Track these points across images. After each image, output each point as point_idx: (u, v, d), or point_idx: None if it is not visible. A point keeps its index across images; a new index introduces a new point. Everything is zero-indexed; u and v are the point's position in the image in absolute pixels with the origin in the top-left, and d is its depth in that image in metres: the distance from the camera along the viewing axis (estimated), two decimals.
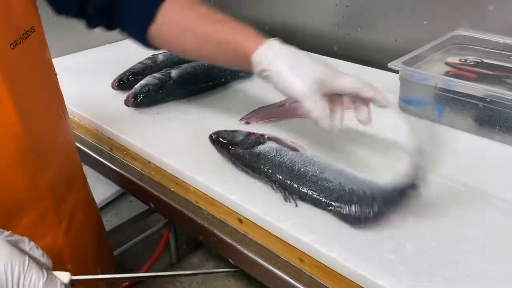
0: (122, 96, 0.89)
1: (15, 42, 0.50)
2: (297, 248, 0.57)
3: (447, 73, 0.83)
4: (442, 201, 0.60)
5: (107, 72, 0.98)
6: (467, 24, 0.92)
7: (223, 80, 0.95)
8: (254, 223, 0.61)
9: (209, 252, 1.79)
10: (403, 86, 0.82)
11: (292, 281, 0.56)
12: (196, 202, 0.69)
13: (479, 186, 0.63)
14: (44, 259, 0.43)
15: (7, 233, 0.42)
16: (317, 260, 0.55)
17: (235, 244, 0.62)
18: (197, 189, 0.68)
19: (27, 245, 0.42)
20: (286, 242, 0.58)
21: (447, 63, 0.86)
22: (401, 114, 0.83)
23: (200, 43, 0.64)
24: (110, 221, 1.40)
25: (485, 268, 0.50)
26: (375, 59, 1.08)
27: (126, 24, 0.68)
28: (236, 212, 0.63)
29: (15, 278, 0.38)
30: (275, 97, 0.89)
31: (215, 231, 0.64)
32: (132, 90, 0.87)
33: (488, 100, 0.71)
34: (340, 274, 0.53)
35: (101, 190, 1.51)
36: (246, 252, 0.61)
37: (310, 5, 1.22)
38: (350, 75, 0.59)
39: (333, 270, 0.53)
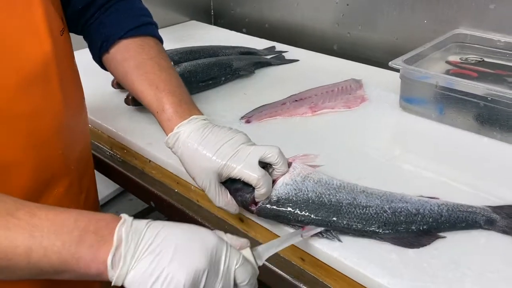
0: (122, 95, 0.89)
1: (62, 30, 0.60)
2: (298, 247, 0.56)
3: (448, 72, 0.83)
4: (444, 199, 0.60)
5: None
6: (468, 23, 0.92)
7: (223, 78, 0.95)
8: (255, 222, 0.61)
9: None
10: (404, 84, 0.82)
11: (293, 280, 0.56)
12: (197, 201, 0.69)
13: (479, 185, 0.63)
14: (238, 241, 0.48)
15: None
16: (318, 259, 0.55)
17: None
18: (198, 188, 0.68)
19: (223, 235, 0.48)
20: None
21: (448, 62, 0.86)
22: (402, 113, 0.83)
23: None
24: None
25: (486, 269, 0.50)
26: (376, 58, 1.08)
27: (88, 43, 0.72)
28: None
29: (223, 258, 0.44)
30: (275, 95, 0.89)
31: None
32: None
33: (489, 99, 0.71)
34: (341, 273, 0.53)
35: (101, 188, 1.51)
36: None
37: (310, 3, 1.21)
38: (249, 162, 0.56)
39: (334, 269, 0.53)
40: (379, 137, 0.77)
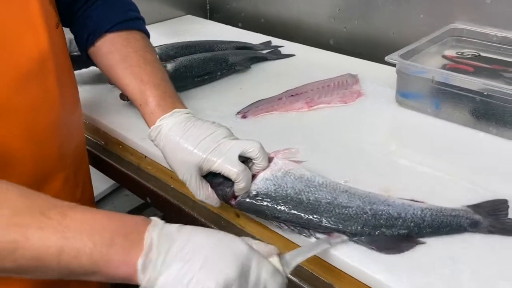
0: (117, 90, 0.88)
1: (57, 24, 0.60)
2: (294, 243, 0.56)
3: (444, 66, 0.82)
4: (440, 194, 0.60)
5: None
6: (465, 17, 0.92)
7: (219, 73, 0.94)
8: (251, 218, 0.61)
9: None
10: (400, 79, 0.82)
11: (290, 276, 0.56)
12: (193, 196, 0.68)
13: (475, 179, 0.63)
14: (265, 248, 0.47)
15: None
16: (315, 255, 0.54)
17: None
18: None
19: (252, 242, 0.47)
20: (284, 237, 0.58)
21: (444, 56, 0.86)
22: (398, 108, 0.83)
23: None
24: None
25: (482, 264, 0.50)
26: (372, 53, 1.08)
27: (74, 36, 0.72)
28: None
29: (253, 268, 0.43)
30: (271, 90, 0.89)
31: (212, 226, 0.64)
32: None
33: (485, 94, 0.71)
34: (339, 269, 0.53)
35: (97, 183, 1.50)
36: None
37: None
38: (231, 157, 0.56)
39: (332, 265, 0.53)
40: (375, 132, 0.77)
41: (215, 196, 0.59)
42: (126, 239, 0.42)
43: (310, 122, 0.80)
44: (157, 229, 0.43)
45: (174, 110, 0.62)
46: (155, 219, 0.45)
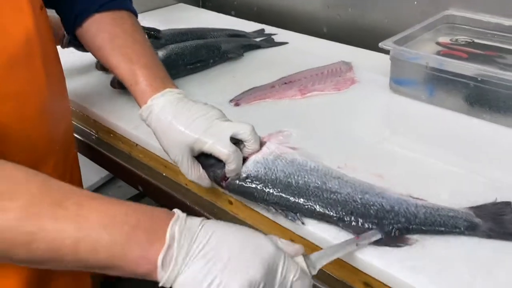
0: (107, 78, 0.87)
1: (41, 5, 0.58)
2: (287, 228, 0.56)
3: (438, 53, 0.82)
4: (433, 181, 0.60)
5: None
6: (458, 4, 0.91)
7: (211, 61, 0.93)
8: (244, 204, 0.60)
9: None
10: (394, 65, 0.81)
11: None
12: (186, 184, 0.68)
13: (469, 165, 0.63)
14: (292, 247, 0.44)
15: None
16: (307, 240, 0.54)
17: None
18: None
19: (278, 240, 0.44)
20: (276, 223, 0.57)
21: (438, 43, 0.85)
22: (392, 95, 0.82)
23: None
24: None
25: (476, 247, 0.50)
26: (366, 40, 1.07)
27: (60, 17, 0.71)
28: (226, 194, 0.62)
29: (280, 270, 0.41)
30: (264, 78, 0.88)
31: (205, 213, 0.63)
32: None
33: (479, 79, 0.71)
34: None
35: (89, 175, 1.49)
36: None
37: None
38: (222, 139, 0.56)
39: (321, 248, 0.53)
40: (369, 119, 0.76)
41: (206, 176, 0.59)
42: (147, 233, 0.40)
43: (303, 109, 0.79)
44: (179, 222, 0.41)
45: (165, 90, 0.61)
46: (178, 212, 0.42)
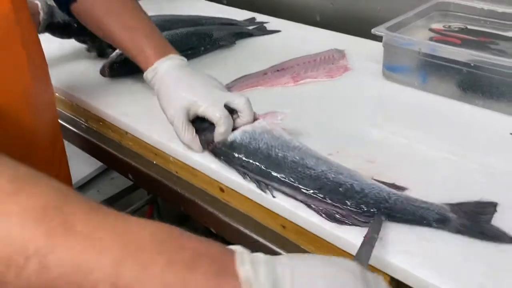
0: (97, 66, 0.86)
1: None
2: (279, 215, 0.55)
3: (431, 39, 0.81)
4: (424, 167, 0.60)
5: None
6: None
7: (203, 49, 0.92)
8: (236, 191, 0.60)
9: (194, 228, 1.79)
10: (387, 52, 0.80)
11: (275, 248, 0.55)
12: (176, 172, 0.67)
13: (461, 152, 0.63)
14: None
15: None
16: (299, 226, 0.54)
17: (217, 213, 0.61)
18: (176, 159, 0.66)
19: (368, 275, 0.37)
20: (268, 209, 0.57)
21: (431, 30, 0.85)
22: (384, 82, 0.82)
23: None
24: (92, 199, 1.38)
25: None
26: (359, 29, 1.06)
27: None
28: (217, 181, 0.61)
29: None
30: (256, 66, 0.87)
31: (196, 201, 0.63)
32: (108, 59, 0.84)
33: (472, 65, 0.70)
34: (322, 238, 0.52)
35: (82, 167, 1.48)
36: (228, 220, 0.59)
37: None
38: (219, 104, 0.60)
39: (314, 234, 0.52)
40: (361, 106, 0.76)
41: (198, 141, 0.61)
42: (209, 268, 0.31)
43: (296, 96, 0.79)
44: (247, 260, 0.33)
45: (170, 55, 0.65)
46: (238, 249, 0.34)
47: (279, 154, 0.56)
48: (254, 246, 0.57)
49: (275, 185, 0.54)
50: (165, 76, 0.63)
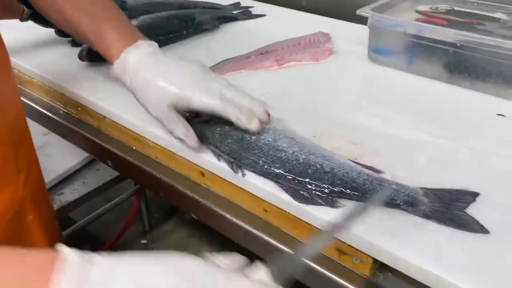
0: (75, 51, 0.83)
1: None
2: (261, 198, 0.54)
3: (418, 21, 0.80)
4: (411, 149, 0.58)
5: None
6: None
7: (185, 32, 0.90)
8: (217, 175, 0.58)
9: (181, 219, 1.77)
10: (373, 34, 0.79)
11: (257, 232, 0.54)
12: (156, 157, 0.65)
13: (448, 134, 0.62)
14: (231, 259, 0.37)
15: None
16: (281, 209, 0.52)
17: (197, 198, 0.59)
18: (156, 144, 0.64)
19: (216, 258, 0.37)
20: (250, 193, 0.55)
21: (418, 11, 0.83)
22: (370, 64, 0.80)
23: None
24: (77, 190, 1.35)
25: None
26: (345, 13, 1.04)
27: None
28: (198, 165, 0.59)
29: None
30: (241, 50, 0.85)
31: (176, 186, 0.61)
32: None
33: (459, 45, 0.69)
34: (303, 221, 0.50)
35: (67, 158, 1.45)
36: (209, 205, 0.58)
37: None
38: (209, 92, 0.54)
39: (296, 217, 0.51)
40: (347, 89, 0.74)
41: (193, 134, 0.56)
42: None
43: (280, 80, 0.77)
44: (69, 273, 0.31)
45: (138, 42, 0.57)
46: (66, 252, 0.32)
47: (253, 137, 0.55)
48: (237, 232, 0.55)
49: (248, 166, 0.54)
50: (138, 68, 0.55)
